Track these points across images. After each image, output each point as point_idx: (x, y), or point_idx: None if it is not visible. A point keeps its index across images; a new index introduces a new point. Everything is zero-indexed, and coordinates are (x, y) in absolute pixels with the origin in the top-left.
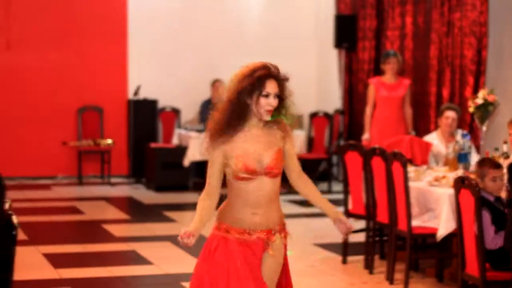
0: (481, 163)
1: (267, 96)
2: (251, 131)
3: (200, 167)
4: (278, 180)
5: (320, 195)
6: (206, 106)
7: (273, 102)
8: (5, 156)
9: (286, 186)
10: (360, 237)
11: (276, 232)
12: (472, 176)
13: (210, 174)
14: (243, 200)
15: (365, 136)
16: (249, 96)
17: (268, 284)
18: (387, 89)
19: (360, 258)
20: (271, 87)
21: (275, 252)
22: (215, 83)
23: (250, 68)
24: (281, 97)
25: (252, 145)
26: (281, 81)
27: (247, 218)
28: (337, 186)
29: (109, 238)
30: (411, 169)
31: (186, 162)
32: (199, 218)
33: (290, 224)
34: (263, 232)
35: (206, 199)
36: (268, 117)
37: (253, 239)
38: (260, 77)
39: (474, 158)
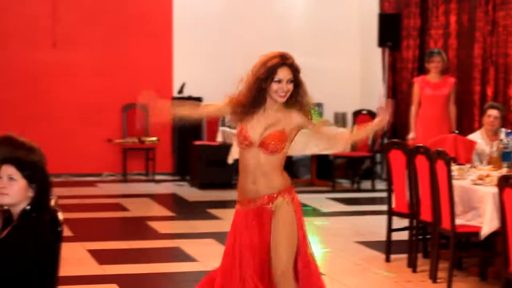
0: None
1: (279, 82)
2: (266, 112)
3: None
4: (276, 157)
5: (357, 131)
6: None
7: (285, 87)
8: (52, 153)
9: (330, 184)
10: (404, 236)
11: (279, 195)
12: None
13: (210, 104)
14: (244, 168)
15: (411, 136)
16: (264, 82)
17: (277, 239)
18: (431, 88)
19: (404, 256)
20: (283, 74)
21: (278, 211)
22: None
23: (265, 57)
24: (296, 83)
25: (259, 121)
26: (295, 69)
27: (249, 188)
28: (381, 185)
29: (154, 234)
30: (454, 167)
31: (230, 159)
32: (176, 104)
33: (333, 222)
34: (265, 197)
35: (194, 107)
36: (282, 101)
37: (258, 205)
38: (273, 65)
39: None
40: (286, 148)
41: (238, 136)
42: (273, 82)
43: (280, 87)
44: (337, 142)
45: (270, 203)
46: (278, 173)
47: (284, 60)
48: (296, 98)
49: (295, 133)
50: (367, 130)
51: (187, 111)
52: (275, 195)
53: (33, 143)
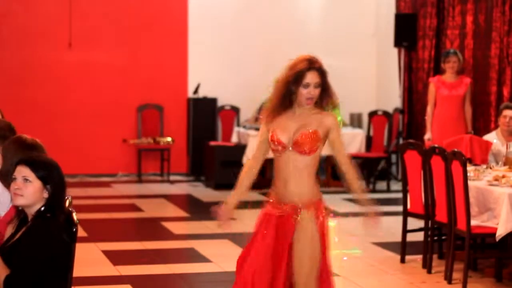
0: None
1: (307, 86)
2: (296, 113)
3: None
4: (310, 158)
5: (358, 187)
6: None
7: (312, 91)
8: (66, 153)
9: (344, 184)
10: (419, 237)
11: (303, 208)
12: None
13: (256, 146)
14: (278, 172)
15: (427, 136)
16: (293, 85)
17: (299, 254)
18: (447, 88)
19: (419, 257)
20: (311, 78)
21: (300, 227)
22: None
23: (294, 61)
24: (324, 87)
25: (289, 123)
26: (323, 72)
27: (281, 191)
28: (396, 185)
29: (168, 235)
30: (470, 168)
31: (245, 160)
32: (238, 190)
33: (348, 223)
34: (290, 205)
35: (248, 170)
36: (308, 106)
37: (284, 209)
38: (301, 69)
39: None
40: (319, 149)
41: (270, 142)
42: (301, 86)
43: (308, 92)
44: (342, 168)
45: (294, 215)
46: (310, 181)
47: (312, 64)
48: (325, 100)
49: (327, 134)
50: (360, 198)
51: (251, 178)
52: (300, 208)
53: (39, 142)
